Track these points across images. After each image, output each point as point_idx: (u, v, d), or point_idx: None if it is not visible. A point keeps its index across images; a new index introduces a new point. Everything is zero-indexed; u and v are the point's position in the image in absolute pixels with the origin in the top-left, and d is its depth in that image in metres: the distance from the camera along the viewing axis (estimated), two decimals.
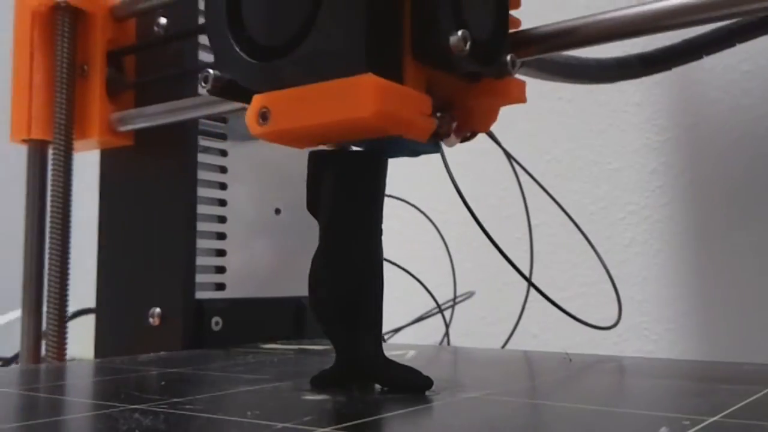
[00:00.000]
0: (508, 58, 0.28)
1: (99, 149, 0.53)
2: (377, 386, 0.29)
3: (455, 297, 0.71)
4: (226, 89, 0.29)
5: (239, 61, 0.28)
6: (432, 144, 0.30)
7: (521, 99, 0.30)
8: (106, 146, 0.52)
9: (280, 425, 0.22)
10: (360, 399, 0.28)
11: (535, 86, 0.74)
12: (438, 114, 0.29)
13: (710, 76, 0.66)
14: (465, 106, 0.30)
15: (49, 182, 0.47)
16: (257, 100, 0.28)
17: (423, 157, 0.74)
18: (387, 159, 0.30)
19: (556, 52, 0.40)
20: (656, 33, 0.29)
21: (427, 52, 0.27)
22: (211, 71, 0.29)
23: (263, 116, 0.28)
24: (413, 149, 0.30)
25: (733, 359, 0.42)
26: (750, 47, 0.65)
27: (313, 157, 0.30)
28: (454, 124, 0.30)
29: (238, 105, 0.42)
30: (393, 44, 0.27)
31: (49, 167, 0.48)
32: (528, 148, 0.74)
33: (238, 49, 0.28)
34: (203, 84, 0.29)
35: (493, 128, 0.56)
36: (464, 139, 0.32)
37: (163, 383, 0.33)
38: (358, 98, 0.25)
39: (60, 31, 0.48)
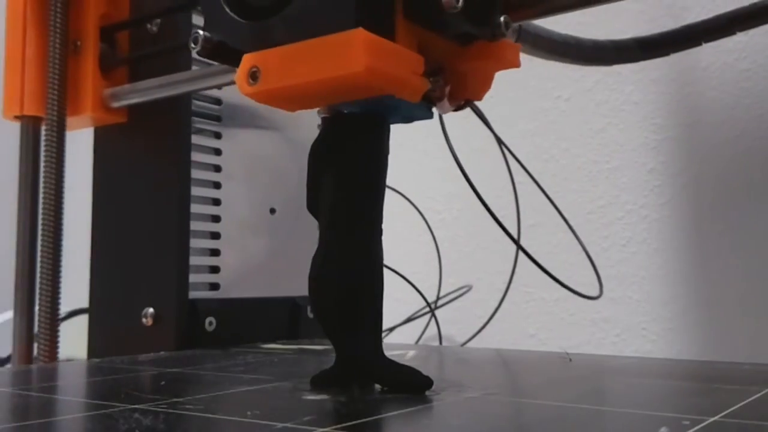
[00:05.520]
0: (502, 19, 0.28)
1: (92, 127, 0.52)
2: (377, 386, 0.29)
3: (438, 296, 0.71)
4: (216, 51, 0.29)
5: (229, 22, 0.28)
6: (425, 109, 0.30)
7: (515, 63, 0.29)
8: (99, 123, 0.51)
9: (280, 425, 0.22)
10: (360, 399, 0.28)
11: (533, 85, 0.75)
12: (431, 78, 0.29)
13: (708, 74, 0.66)
14: (458, 70, 0.30)
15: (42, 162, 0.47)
16: (247, 59, 0.28)
17: (421, 155, 0.74)
18: (387, 152, 0.30)
19: (552, 30, 0.40)
20: None
21: (419, 10, 0.27)
22: (201, 32, 0.29)
23: (253, 76, 0.27)
24: (406, 114, 0.30)
25: (732, 359, 0.41)
26: (748, 45, 0.65)
27: (313, 149, 0.30)
28: (447, 89, 0.29)
29: (232, 77, 0.42)
30: (384, 2, 0.27)
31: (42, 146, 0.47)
32: (526, 147, 0.74)
33: (227, 9, 0.28)
34: (193, 45, 0.29)
35: (492, 125, 0.56)
36: (458, 108, 0.31)
37: (162, 383, 0.33)
38: (349, 54, 0.25)
39: (53, 7, 0.47)
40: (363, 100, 0.28)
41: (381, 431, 0.23)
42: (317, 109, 0.32)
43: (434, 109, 0.31)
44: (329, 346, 0.36)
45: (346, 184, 0.29)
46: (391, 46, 0.26)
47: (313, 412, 0.25)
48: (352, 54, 0.25)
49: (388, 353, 0.30)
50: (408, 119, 0.30)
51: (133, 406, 0.26)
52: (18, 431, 0.23)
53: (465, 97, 0.31)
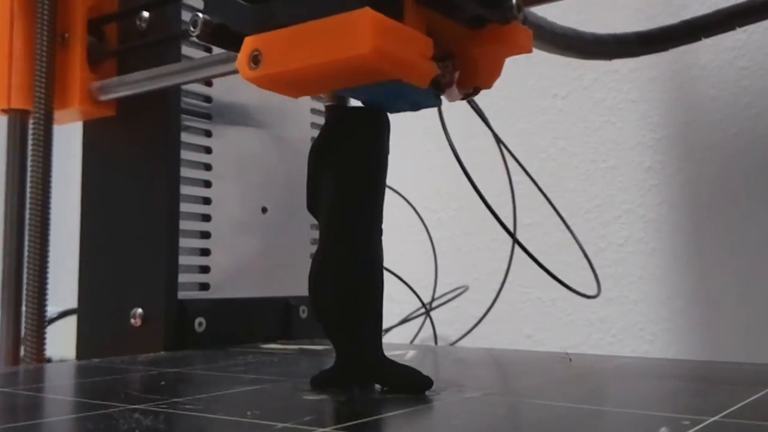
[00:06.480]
0: (514, 1, 0.27)
1: (81, 120, 0.51)
2: (377, 386, 0.29)
3: (433, 297, 0.70)
4: (216, 34, 0.28)
5: (230, 3, 0.27)
6: (432, 96, 0.29)
7: (527, 48, 0.28)
8: (87, 117, 0.50)
9: (280, 425, 0.22)
10: (360, 399, 0.28)
11: (531, 83, 0.74)
12: (440, 63, 0.28)
13: (706, 73, 0.65)
14: (469, 56, 0.29)
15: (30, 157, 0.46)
16: (249, 42, 0.26)
17: (418, 154, 0.73)
18: (388, 152, 0.29)
19: (554, 22, 0.39)
20: None
21: None
22: (200, 15, 0.27)
23: (255, 59, 0.26)
24: (413, 100, 0.29)
25: (730, 359, 0.41)
26: (747, 43, 0.64)
27: (313, 149, 0.29)
28: (457, 74, 0.28)
29: (222, 69, 0.41)
30: None
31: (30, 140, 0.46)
32: (523, 146, 0.73)
33: None
34: (192, 29, 0.28)
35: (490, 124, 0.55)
36: (466, 96, 0.30)
37: (162, 383, 0.33)
38: (355, 35, 0.24)
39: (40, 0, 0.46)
40: (368, 86, 0.27)
41: (381, 431, 0.23)
42: (321, 96, 0.31)
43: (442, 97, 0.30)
44: (329, 346, 0.36)
45: (346, 183, 0.28)
46: (399, 28, 0.25)
47: (313, 412, 0.25)
48: (359, 35, 0.24)
49: (388, 353, 0.30)
50: (415, 106, 0.29)
51: (133, 406, 0.26)
52: (18, 431, 0.23)
53: (474, 85, 0.30)
